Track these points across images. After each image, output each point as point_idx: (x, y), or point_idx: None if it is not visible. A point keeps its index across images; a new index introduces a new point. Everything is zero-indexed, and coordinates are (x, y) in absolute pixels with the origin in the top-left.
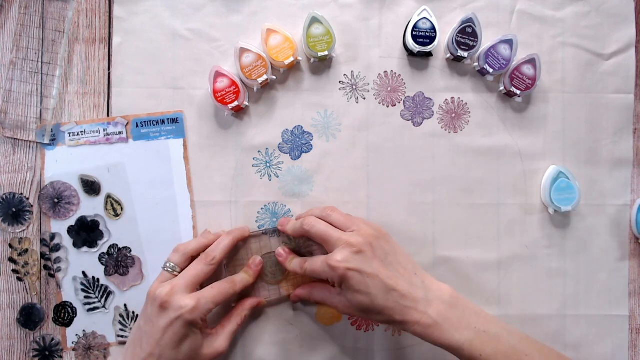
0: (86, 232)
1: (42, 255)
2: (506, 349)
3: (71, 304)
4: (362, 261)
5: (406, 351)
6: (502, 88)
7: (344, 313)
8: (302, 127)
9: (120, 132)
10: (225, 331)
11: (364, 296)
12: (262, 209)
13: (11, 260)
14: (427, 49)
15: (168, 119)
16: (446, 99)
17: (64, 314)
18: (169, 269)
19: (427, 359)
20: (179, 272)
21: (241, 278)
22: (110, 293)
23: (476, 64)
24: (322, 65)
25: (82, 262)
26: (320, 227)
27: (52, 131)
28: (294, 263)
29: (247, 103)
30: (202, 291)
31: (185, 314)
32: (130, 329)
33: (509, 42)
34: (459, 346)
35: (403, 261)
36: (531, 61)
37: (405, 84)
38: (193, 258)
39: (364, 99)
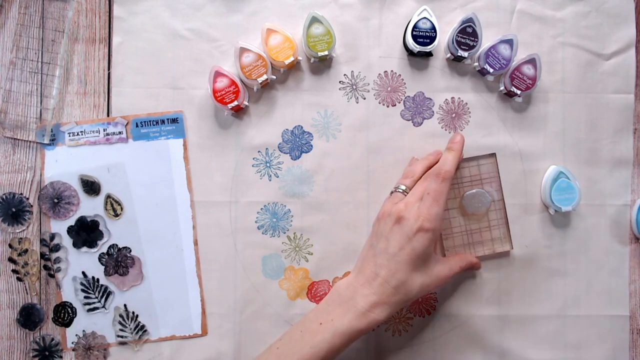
0: (86, 232)
1: (42, 255)
2: None
3: (71, 304)
4: None
5: (407, 351)
6: (502, 88)
7: None
8: (302, 127)
9: (120, 132)
10: (450, 264)
11: None
12: (262, 209)
13: (11, 260)
14: (427, 48)
15: (168, 119)
16: (446, 99)
17: (64, 314)
18: (400, 191)
19: (427, 357)
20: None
21: (445, 160)
22: (110, 293)
23: (476, 63)
24: (322, 65)
25: (82, 262)
26: None
27: (52, 131)
28: None
29: (246, 103)
30: (424, 199)
31: (423, 224)
32: (130, 329)
33: (509, 42)
34: None
35: None
36: (531, 61)
37: (405, 84)
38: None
39: (364, 99)
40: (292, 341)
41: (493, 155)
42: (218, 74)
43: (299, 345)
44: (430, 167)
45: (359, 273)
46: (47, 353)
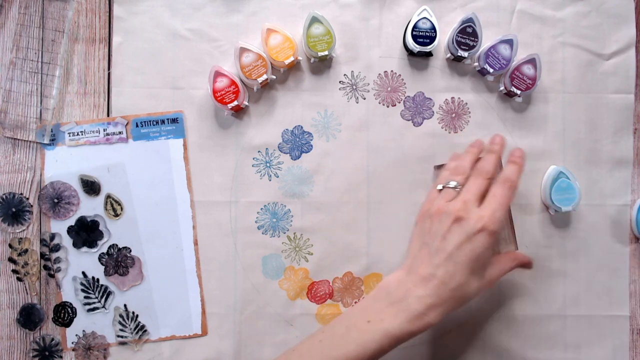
0: (86, 232)
1: (42, 255)
2: None
3: (71, 304)
4: None
5: (407, 351)
6: (502, 88)
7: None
8: (302, 127)
9: (120, 132)
10: (500, 265)
11: None
12: (261, 209)
13: (11, 260)
14: (427, 48)
15: (168, 119)
16: (446, 99)
17: (64, 314)
18: (451, 187)
19: (427, 357)
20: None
21: (511, 171)
22: (110, 293)
23: (476, 63)
24: (322, 65)
25: (82, 262)
26: None
27: (52, 131)
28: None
29: (246, 103)
30: (488, 202)
31: (486, 225)
32: (130, 329)
33: (509, 42)
34: None
35: None
36: (531, 61)
37: (405, 84)
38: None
39: (364, 99)
40: (336, 336)
41: None
42: (218, 74)
43: (345, 342)
44: (476, 161)
45: (410, 272)
46: (47, 353)
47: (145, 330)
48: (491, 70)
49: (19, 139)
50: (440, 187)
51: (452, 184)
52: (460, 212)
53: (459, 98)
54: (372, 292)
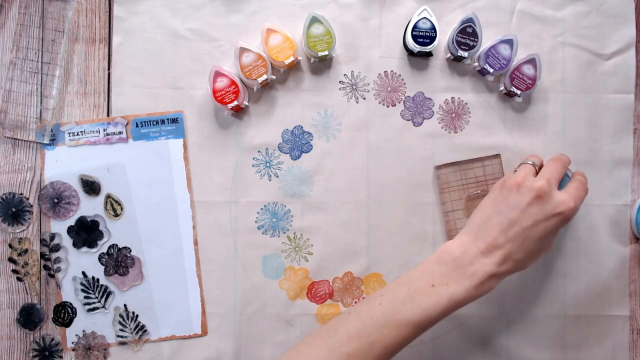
0: (86, 232)
1: (42, 255)
2: None
3: (71, 304)
4: None
5: (406, 351)
6: (502, 88)
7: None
8: (302, 127)
9: (120, 132)
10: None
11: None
12: (261, 209)
13: (11, 260)
14: (427, 48)
15: (168, 119)
16: (446, 99)
17: (64, 314)
18: (530, 163)
19: (427, 357)
20: (538, 169)
21: (584, 177)
22: (110, 293)
23: (476, 63)
24: (322, 65)
25: (82, 262)
26: None
27: (52, 131)
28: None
29: (246, 103)
30: (571, 190)
31: (567, 210)
32: (130, 329)
33: (509, 42)
34: None
35: None
36: (531, 61)
37: (405, 84)
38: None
39: (364, 99)
40: (399, 300)
41: (498, 156)
42: (218, 74)
43: (409, 305)
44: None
45: (477, 238)
46: (47, 353)
47: (145, 330)
48: (491, 70)
49: (19, 139)
50: (516, 168)
51: (530, 161)
52: (545, 189)
53: (459, 98)
54: (433, 255)
